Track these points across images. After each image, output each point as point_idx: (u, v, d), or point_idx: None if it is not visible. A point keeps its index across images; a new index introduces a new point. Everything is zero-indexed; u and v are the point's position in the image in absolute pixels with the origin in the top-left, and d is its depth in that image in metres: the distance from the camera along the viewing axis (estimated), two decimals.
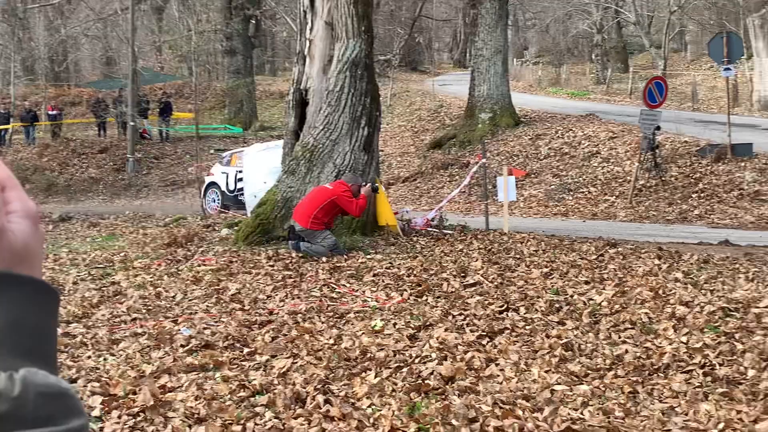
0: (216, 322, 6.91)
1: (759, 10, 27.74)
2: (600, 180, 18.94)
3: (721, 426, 4.24)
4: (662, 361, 5.33)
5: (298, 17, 12.58)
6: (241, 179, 17.27)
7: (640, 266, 8.57)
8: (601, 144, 21.34)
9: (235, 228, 12.06)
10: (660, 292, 7.16)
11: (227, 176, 18.06)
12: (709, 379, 5.03)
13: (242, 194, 16.72)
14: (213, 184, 18.52)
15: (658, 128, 17.40)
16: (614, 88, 40.67)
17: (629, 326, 6.26)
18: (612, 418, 4.41)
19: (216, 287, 8.36)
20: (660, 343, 5.75)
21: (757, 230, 13.09)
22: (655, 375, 5.17)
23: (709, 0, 43.04)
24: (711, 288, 7.31)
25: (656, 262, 8.78)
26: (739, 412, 4.43)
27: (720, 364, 5.23)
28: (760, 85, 28.48)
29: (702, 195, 16.22)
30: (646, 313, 6.52)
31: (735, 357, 5.35)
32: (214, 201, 18.23)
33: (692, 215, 15.11)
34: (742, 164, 17.17)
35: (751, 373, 5.04)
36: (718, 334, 5.84)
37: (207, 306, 7.57)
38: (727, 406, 4.56)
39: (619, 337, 6.00)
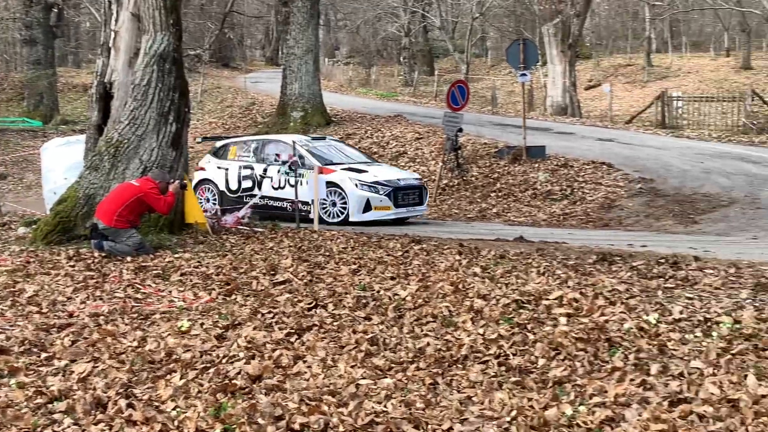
0: (11, 325, 6.56)
1: (553, 20, 29.53)
2: None
3: (513, 413, 4.48)
4: (461, 353, 5.59)
5: (103, 7, 12.14)
6: (248, 176, 15.11)
7: (442, 262, 8.93)
8: (408, 144, 21.96)
9: (33, 227, 11.46)
10: (460, 286, 7.49)
11: (227, 172, 15.43)
12: (503, 368, 5.31)
13: (250, 195, 14.83)
14: (206, 181, 15.75)
15: (461, 130, 18.19)
16: (421, 91, 41.99)
17: (431, 320, 6.52)
18: (413, 410, 4.59)
19: (11, 289, 7.92)
20: (459, 336, 6.02)
21: (549, 227, 13.98)
22: (455, 366, 5.42)
23: (509, 8, 45.33)
24: (506, 282, 7.73)
25: (457, 257, 9.18)
26: (530, 399, 4.71)
27: (513, 354, 5.55)
28: (553, 91, 30.35)
29: (500, 194, 17.10)
30: (447, 306, 6.80)
31: (527, 347, 5.68)
32: (209, 201, 15.46)
33: (491, 213, 15.89)
34: (536, 165, 18.25)
35: (541, 362, 5.38)
36: (512, 325, 6.18)
37: (1, 309, 7.17)
38: (520, 394, 4.83)
39: (422, 331, 6.23)
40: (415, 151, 21.33)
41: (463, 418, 4.50)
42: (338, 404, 4.66)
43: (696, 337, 5.66)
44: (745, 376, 4.75)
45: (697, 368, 5.01)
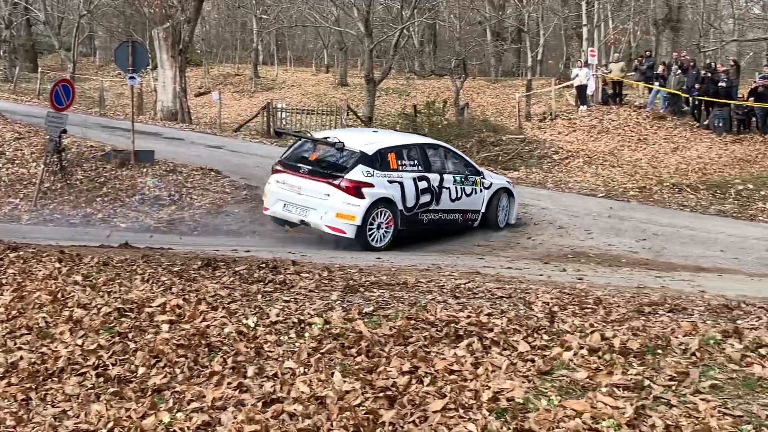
0: None
1: (163, 24, 29.34)
2: (4, 182, 18.14)
3: (110, 425, 4.43)
4: (57, 366, 5.40)
5: None
6: (426, 189, 13.17)
7: (40, 270, 8.46)
8: (6, 144, 20.44)
9: None
10: (59, 295, 7.18)
11: (402, 187, 12.80)
12: (102, 379, 5.21)
13: (426, 210, 13.26)
14: (383, 201, 12.57)
15: (65, 131, 17.36)
16: (22, 88, 39.35)
17: (26, 332, 6.19)
18: (3, 428, 4.36)
19: None
20: (56, 347, 5.79)
21: (157, 233, 13.91)
22: (50, 380, 5.21)
23: (118, 8, 44.14)
24: (109, 290, 7.53)
25: (57, 265, 8.75)
26: (128, 410, 4.67)
27: (113, 364, 5.46)
28: (164, 96, 30.14)
29: (106, 198, 16.61)
30: (44, 317, 6.50)
31: (128, 356, 5.62)
32: (381, 228, 12.62)
33: (96, 218, 15.38)
34: (144, 170, 18.00)
35: (141, 370, 5.36)
36: (113, 334, 6.07)
37: None
38: (118, 405, 4.77)
39: (15, 344, 5.90)
40: (14, 151, 19.90)
41: None
42: None
43: (290, 338, 5.99)
44: (332, 373, 5.10)
45: (290, 368, 5.30)
